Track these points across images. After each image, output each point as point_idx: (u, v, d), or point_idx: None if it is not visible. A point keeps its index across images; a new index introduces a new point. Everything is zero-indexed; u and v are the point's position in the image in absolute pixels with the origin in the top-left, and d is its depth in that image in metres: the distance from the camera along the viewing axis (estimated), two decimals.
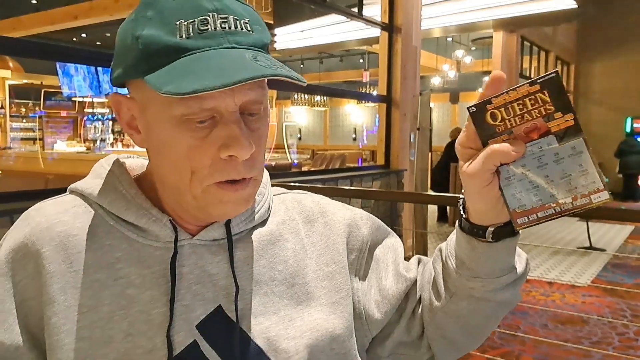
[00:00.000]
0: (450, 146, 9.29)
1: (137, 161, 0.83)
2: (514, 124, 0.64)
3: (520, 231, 0.71)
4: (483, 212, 0.70)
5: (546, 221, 0.65)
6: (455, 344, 0.85)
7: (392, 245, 0.91)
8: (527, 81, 0.63)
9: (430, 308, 0.83)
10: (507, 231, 0.71)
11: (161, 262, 0.71)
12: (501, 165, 0.65)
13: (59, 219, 0.72)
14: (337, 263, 0.82)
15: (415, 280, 0.88)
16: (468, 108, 0.65)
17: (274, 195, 0.85)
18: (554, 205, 0.64)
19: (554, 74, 0.62)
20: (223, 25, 0.64)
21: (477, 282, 0.76)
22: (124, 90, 0.73)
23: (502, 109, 0.64)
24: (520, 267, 0.78)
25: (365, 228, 0.88)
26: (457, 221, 0.76)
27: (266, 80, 0.68)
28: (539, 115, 0.63)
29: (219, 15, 0.64)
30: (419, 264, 0.90)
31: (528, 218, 0.65)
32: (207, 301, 0.72)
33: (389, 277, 0.86)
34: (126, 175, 0.76)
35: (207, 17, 0.64)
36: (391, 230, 0.93)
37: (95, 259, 0.70)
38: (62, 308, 0.67)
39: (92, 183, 0.75)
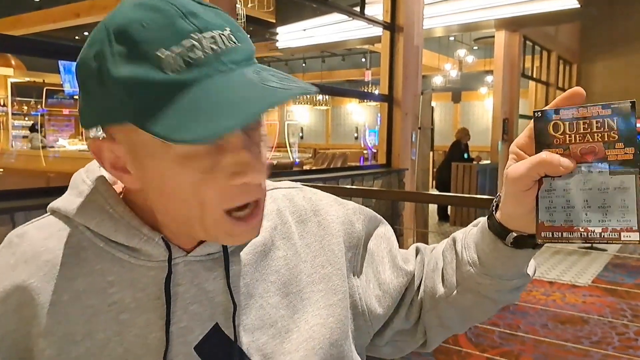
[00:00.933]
0: (455, 146, 9.29)
1: None
2: (573, 141, 0.63)
3: (542, 244, 0.71)
4: (513, 217, 0.70)
5: (569, 243, 0.64)
6: (450, 329, 0.86)
7: (384, 235, 0.90)
8: (601, 103, 0.62)
9: (433, 296, 0.84)
10: (528, 242, 0.71)
11: (155, 283, 0.67)
12: (545, 176, 0.64)
13: (45, 246, 0.67)
14: (332, 264, 0.81)
15: (414, 272, 0.88)
16: (534, 112, 0.65)
17: None
18: (582, 230, 0.63)
19: (629, 104, 0.61)
20: (213, 47, 0.57)
21: (487, 280, 0.76)
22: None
23: (567, 123, 0.63)
24: (529, 273, 0.80)
25: (359, 223, 0.87)
26: (486, 217, 0.76)
27: None
28: (600, 140, 0.61)
29: (203, 35, 0.57)
30: (417, 254, 0.91)
31: (552, 234, 0.64)
32: (204, 320, 0.69)
33: (387, 269, 0.86)
34: (111, 190, 0.70)
35: (193, 42, 0.56)
36: (382, 218, 0.92)
37: (86, 284, 0.66)
38: (55, 339, 0.64)
39: (74, 202, 0.69)
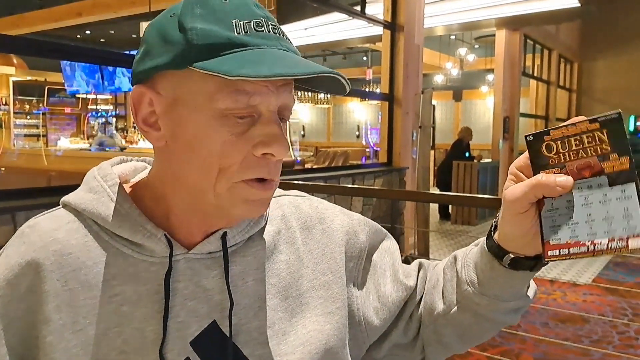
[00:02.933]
0: (456, 145, 9.28)
1: (129, 165, 0.81)
2: (568, 159, 0.63)
3: (543, 264, 0.71)
4: (510, 238, 0.70)
5: (577, 258, 0.64)
6: (449, 348, 0.86)
7: (388, 249, 0.91)
8: (588, 118, 0.62)
9: (431, 312, 0.84)
10: (525, 264, 0.71)
11: (156, 278, 0.70)
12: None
13: (53, 237, 0.70)
14: (334, 272, 0.82)
15: (415, 287, 0.88)
16: (526, 136, 0.66)
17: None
18: (589, 243, 0.63)
19: (615, 115, 0.61)
20: (275, 31, 0.67)
21: (484, 300, 0.77)
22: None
23: (559, 142, 0.64)
24: (529, 296, 0.80)
25: (363, 234, 0.88)
26: (485, 238, 0.76)
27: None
28: (594, 154, 0.62)
29: (270, 22, 0.67)
30: (419, 269, 0.91)
31: (560, 252, 0.64)
32: (202, 317, 0.71)
33: (388, 283, 0.87)
34: (120, 188, 0.73)
35: (261, 21, 0.66)
36: (387, 232, 0.93)
37: (90, 276, 0.69)
38: (57, 327, 0.66)
39: (85, 197, 0.73)
